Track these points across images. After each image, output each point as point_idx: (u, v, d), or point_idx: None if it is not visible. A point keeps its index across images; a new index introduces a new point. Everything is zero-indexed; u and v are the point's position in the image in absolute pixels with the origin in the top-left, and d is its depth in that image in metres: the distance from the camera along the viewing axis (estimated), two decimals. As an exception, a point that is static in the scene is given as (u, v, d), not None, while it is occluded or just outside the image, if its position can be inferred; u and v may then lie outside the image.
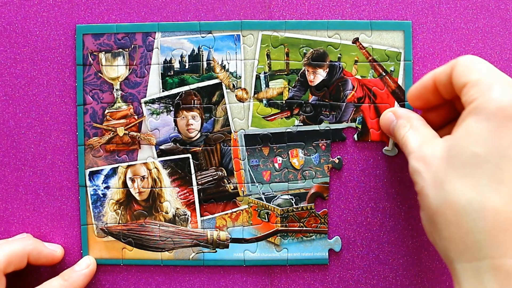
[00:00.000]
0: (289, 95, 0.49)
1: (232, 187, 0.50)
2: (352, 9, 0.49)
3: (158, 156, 0.50)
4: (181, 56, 0.49)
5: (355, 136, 0.49)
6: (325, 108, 0.49)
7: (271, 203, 0.49)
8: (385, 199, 0.49)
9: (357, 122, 0.49)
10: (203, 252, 0.50)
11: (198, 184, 0.50)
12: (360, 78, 0.49)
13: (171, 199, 0.50)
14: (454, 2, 0.49)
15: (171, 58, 0.49)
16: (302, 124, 0.49)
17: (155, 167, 0.50)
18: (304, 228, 0.49)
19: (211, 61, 0.49)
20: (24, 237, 0.48)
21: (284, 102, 0.49)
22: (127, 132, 0.50)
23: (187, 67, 0.49)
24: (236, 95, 0.49)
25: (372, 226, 0.49)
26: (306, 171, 0.49)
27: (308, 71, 0.49)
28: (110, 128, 0.50)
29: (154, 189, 0.50)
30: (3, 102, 0.50)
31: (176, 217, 0.50)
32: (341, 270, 0.50)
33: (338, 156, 0.49)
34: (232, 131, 0.49)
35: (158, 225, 0.50)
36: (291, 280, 0.50)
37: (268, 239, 0.49)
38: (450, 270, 0.36)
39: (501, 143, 0.33)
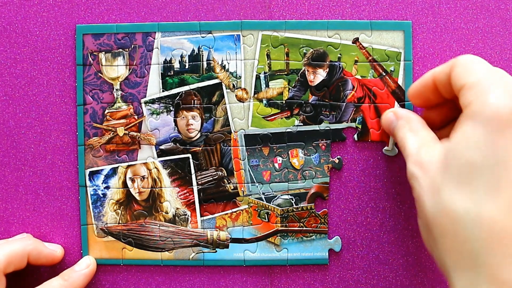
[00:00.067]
0: (289, 95, 0.49)
1: (232, 187, 0.50)
2: (352, 9, 0.49)
3: (158, 156, 0.50)
4: (181, 56, 0.49)
5: (355, 136, 0.49)
6: (325, 108, 0.49)
7: (271, 203, 0.49)
8: (385, 199, 0.49)
9: (357, 122, 0.49)
10: (203, 252, 0.50)
11: (198, 184, 0.50)
12: (360, 78, 0.49)
13: (171, 199, 0.50)
14: (454, 2, 0.49)
15: (171, 58, 0.49)
16: (302, 124, 0.49)
17: (155, 167, 0.50)
18: (304, 228, 0.49)
19: (211, 61, 0.49)
20: (24, 237, 0.48)
21: (284, 102, 0.49)
22: (127, 132, 0.50)
23: (187, 67, 0.49)
24: (236, 95, 0.49)
25: (372, 226, 0.49)
26: (306, 171, 0.49)
27: (308, 71, 0.49)
28: (110, 128, 0.50)
29: (154, 189, 0.50)
30: (3, 102, 0.50)
31: (176, 217, 0.50)
32: (341, 270, 0.50)
33: (338, 156, 0.49)
34: (232, 131, 0.49)
35: (158, 225, 0.50)
36: (291, 280, 0.50)
37: (268, 239, 0.49)
38: (447, 278, 0.36)
39: (497, 151, 0.32)
